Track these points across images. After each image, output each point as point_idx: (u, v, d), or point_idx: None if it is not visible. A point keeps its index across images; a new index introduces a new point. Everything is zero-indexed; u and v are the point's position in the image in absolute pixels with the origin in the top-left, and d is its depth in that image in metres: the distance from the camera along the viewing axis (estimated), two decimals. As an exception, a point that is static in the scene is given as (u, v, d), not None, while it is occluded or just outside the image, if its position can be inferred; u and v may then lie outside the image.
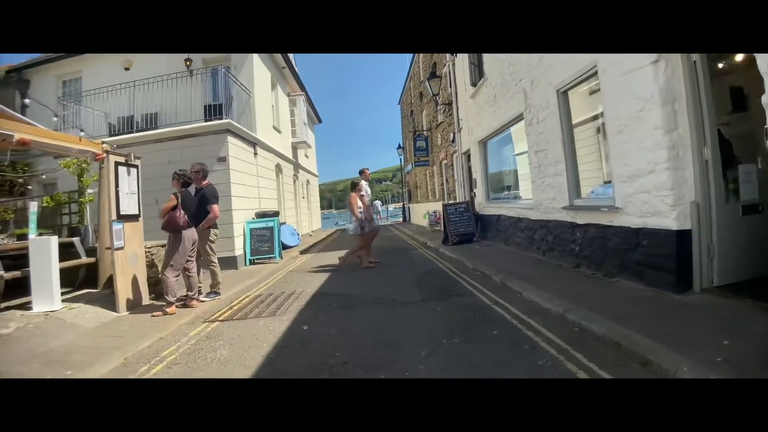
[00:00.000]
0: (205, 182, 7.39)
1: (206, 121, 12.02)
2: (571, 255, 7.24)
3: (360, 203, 9.68)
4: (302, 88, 21.29)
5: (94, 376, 4.08)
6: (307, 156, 24.69)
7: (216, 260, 7.37)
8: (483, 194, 12.13)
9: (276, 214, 13.16)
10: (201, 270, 7.52)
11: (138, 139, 12.00)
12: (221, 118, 11.82)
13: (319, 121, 29.36)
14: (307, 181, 24.41)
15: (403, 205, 34.90)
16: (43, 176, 10.09)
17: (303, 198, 22.54)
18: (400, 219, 40.37)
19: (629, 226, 5.63)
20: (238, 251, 11.70)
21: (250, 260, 11.98)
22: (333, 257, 12.46)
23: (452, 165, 15.95)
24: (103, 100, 12.94)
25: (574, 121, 7.13)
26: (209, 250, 7.26)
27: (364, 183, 10.11)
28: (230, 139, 11.78)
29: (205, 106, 12.83)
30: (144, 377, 4.09)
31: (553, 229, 7.91)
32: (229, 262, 11.45)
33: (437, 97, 15.53)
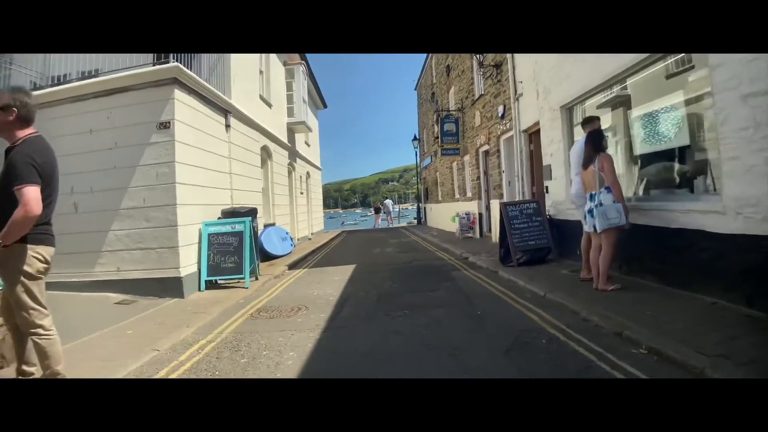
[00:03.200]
0: (24, 132, 3.15)
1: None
2: None
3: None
4: (302, 56, 17.16)
5: None
6: (308, 144, 20.58)
7: (46, 321, 3.11)
8: (565, 189, 7.90)
9: (251, 212, 8.99)
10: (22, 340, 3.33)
11: (49, 98, 7.96)
12: (167, 62, 7.70)
13: (324, 105, 25.25)
14: (307, 173, 20.27)
15: (418, 205, 30.65)
16: None
17: (301, 193, 18.40)
18: (414, 221, 36.40)
19: None
20: (187, 269, 7.56)
21: (206, 282, 7.84)
22: (334, 276, 8.39)
23: (498, 150, 11.74)
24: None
25: None
26: (25, 296, 3.01)
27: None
28: (179, 95, 7.65)
29: (155, 55, 8.71)
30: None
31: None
32: (170, 287, 7.37)
33: (480, 57, 11.33)
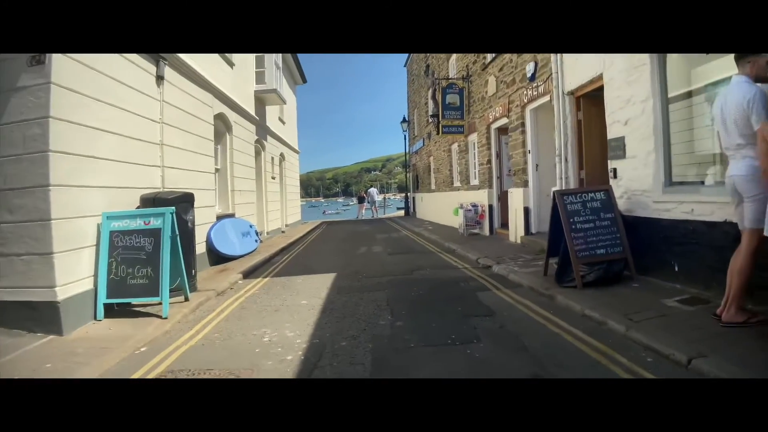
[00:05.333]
0: None
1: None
2: None
3: None
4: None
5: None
6: (282, 121, 17.69)
7: None
8: (654, 172, 5.29)
9: (183, 199, 6.18)
10: None
11: None
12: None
13: (304, 80, 22.29)
14: (282, 155, 17.39)
15: (406, 195, 27.92)
16: None
17: (273, 178, 15.55)
18: (399, 211, 33.80)
19: None
20: (70, 288, 4.78)
21: (107, 306, 5.07)
22: (302, 296, 5.73)
23: (522, 124, 9.11)
24: None
25: None
26: None
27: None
28: (58, 11, 4.79)
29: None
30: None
31: None
32: (44, 317, 4.66)
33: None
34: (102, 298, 5.05)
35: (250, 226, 10.80)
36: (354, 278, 6.91)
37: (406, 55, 24.84)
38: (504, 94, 9.97)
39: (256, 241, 10.78)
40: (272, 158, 15.49)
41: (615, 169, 6.02)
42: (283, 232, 16.14)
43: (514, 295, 5.33)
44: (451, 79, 13.58)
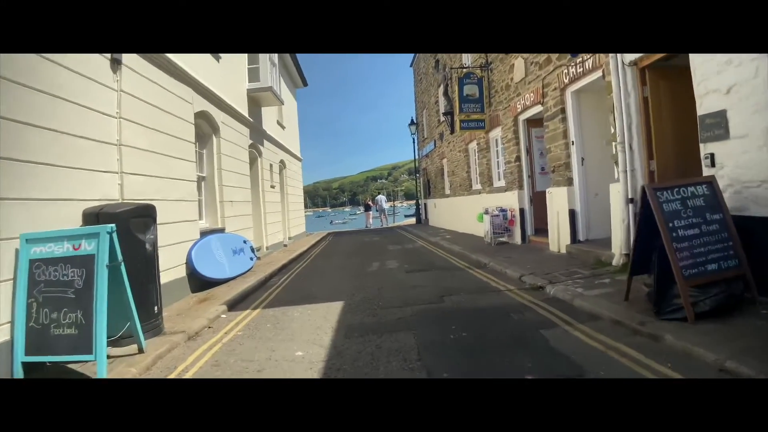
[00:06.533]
0: None
1: None
2: None
3: None
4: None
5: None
6: (282, 125, 16.29)
7: None
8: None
9: (139, 212, 4.72)
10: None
11: None
12: None
13: (304, 83, 20.92)
14: (282, 162, 15.98)
15: (417, 201, 26.36)
16: None
17: (272, 187, 14.11)
18: (407, 219, 32.42)
19: None
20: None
21: (27, 366, 3.61)
22: (297, 344, 4.15)
23: (562, 111, 7.64)
24: None
25: None
26: None
27: None
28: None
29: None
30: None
31: None
32: None
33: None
34: (19, 356, 3.60)
35: (245, 242, 9.37)
36: (367, 310, 5.38)
37: (412, 54, 23.48)
38: (536, 78, 8.48)
39: (251, 258, 9.35)
40: (271, 165, 14.06)
41: (712, 155, 4.50)
42: (285, 246, 14.68)
43: (596, 334, 3.79)
44: (467, 67, 12.07)
